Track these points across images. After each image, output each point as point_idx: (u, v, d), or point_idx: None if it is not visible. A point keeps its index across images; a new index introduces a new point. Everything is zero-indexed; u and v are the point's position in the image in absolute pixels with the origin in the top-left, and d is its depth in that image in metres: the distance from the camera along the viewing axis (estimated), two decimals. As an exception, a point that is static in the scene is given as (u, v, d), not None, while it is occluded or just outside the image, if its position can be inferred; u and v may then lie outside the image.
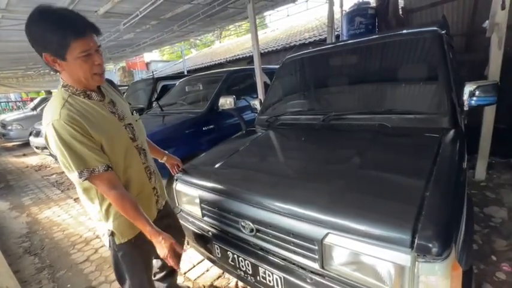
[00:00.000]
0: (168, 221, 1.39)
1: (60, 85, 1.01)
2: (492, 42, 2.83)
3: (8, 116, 8.88)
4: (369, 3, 5.28)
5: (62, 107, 0.94)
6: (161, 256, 1.08)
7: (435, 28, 1.82)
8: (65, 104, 0.96)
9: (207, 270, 2.05)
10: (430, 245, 0.80)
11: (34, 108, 9.29)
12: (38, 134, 5.91)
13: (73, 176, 0.97)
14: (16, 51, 7.13)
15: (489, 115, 2.98)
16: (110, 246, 1.16)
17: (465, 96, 1.54)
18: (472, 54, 4.24)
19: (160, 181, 1.37)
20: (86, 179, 0.96)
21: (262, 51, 8.47)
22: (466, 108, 1.56)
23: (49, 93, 14.15)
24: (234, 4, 5.26)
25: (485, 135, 3.05)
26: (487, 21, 2.89)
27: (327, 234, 1.00)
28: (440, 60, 1.64)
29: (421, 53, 1.79)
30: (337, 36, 5.95)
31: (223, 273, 2.00)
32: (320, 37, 7.15)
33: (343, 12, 5.60)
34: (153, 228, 1.06)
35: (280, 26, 13.40)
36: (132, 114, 1.24)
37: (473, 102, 1.54)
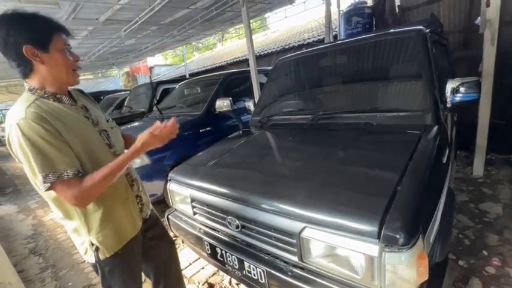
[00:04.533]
0: (155, 231, 1.30)
1: (26, 90, 0.94)
2: (485, 39, 2.84)
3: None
4: (365, 2, 5.28)
5: (28, 107, 0.86)
6: (161, 142, 1.02)
7: (420, 27, 1.85)
8: (31, 104, 0.87)
9: (202, 268, 2.11)
10: (396, 236, 0.85)
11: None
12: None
13: (38, 183, 0.86)
14: (22, 59, 7.33)
15: (484, 111, 2.97)
16: (95, 261, 1.03)
17: (448, 93, 1.57)
18: (469, 51, 4.22)
19: (144, 189, 1.26)
20: (49, 186, 0.84)
21: (262, 53, 8.55)
22: (449, 105, 1.59)
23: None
24: (232, 8, 5.34)
25: (482, 131, 3.04)
26: (479, 18, 2.89)
27: (304, 228, 1.05)
28: (424, 58, 1.67)
29: (405, 51, 1.82)
30: (335, 36, 5.97)
31: (217, 270, 2.06)
32: (319, 37, 7.18)
33: (341, 12, 5.63)
34: (134, 148, 0.97)
35: (281, 28, 13.45)
36: (108, 121, 1.14)
37: (456, 99, 1.57)
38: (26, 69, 0.91)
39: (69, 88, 1.05)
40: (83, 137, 0.95)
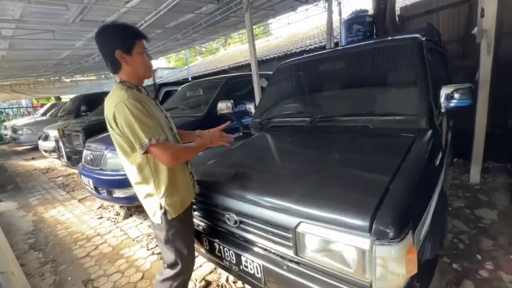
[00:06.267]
0: (190, 211, 1.46)
1: (117, 82, 1.23)
2: (482, 48, 2.91)
3: (19, 121, 9.20)
4: (366, 11, 5.39)
5: (127, 91, 1.15)
6: (219, 144, 1.40)
7: (416, 35, 1.92)
8: (127, 90, 1.17)
9: (200, 266, 2.14)
10: (386, 230, 0.89)
11: (44, 114, 9.64)
12: (46, 138, 6.13)
13: (137, 150, 1.14)
14: (28, 59, 7.46)
15: (481, 119, 3.03)
16: (161, 222, 1.25)
17: (442, 99, 1.62)
18: (467, 60, 4.30)
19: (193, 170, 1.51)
20: (148, 148, 1.11)
21: (264, 58, 8.66)
22: (443, 110, 1.64)
23: (58, 99, 14.58)
24: (235, 13, 5.45)
25: (478, 139, 3.09)
26: (475, 28, 2.97)
27: (299, 223, 1.09)
28: (419, 64, 1.74)
29: (402, 58, 1.88)
30: (336, 43, 6.07)
31: (215, 268, 2.09)
32: (320, 44, 7.29)
33: (342, 20, 5.73)
34: (200, 142, 1.33)
35: (283, 34, 13.63)
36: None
37: (451, 104, 1.63)
38: (116, 68, 1.21)
39: None
40: (158, 119, 1.22)
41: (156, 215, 1.26)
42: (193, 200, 1.59)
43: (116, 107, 1.11)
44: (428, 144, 1.39)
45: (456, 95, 1.60)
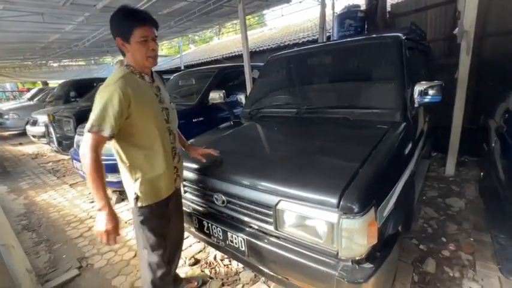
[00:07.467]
0: (178, 201, 1.57)
1: (124, 64, 1.25)
2: (461, 49, 3.07)
3: (4, 106, 8.97)
4: (359, 6, 5.49)
5: (121, 77, 1.17)
6: (96, 229, 1.16)
7: (398, 34, 2.05)
8: (124, 75, 1.18)
9: (190, 246, 2.28)
10: (351, 205, 1.04)
11: (31, 98, 9.41)
12: (35, 123, 6.06)
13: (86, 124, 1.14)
14: (15, 41, 7.24)
15: (458, 115, 3.22)
16: (134, 206, 1.29)
17: (415, 95, 1.77)
18: (452, 58, 4.47)
19: (182, 164, 1.53)
20: (89, 130, 1.10)
21: (258, 49, 8.67)
22: (416, 105, 1.79)
23: (45, 84, 14.17)
24: (229, 3, 5.44)
25: (455, 133, 3.30)
26: (457, 28, 3.12)
27: (279, 201, 1.23)
28: (397, 62, 1.87)
29: (382, 55, 2.01)
30: (328, 37, 6.16)
31: (204, 248, 2.23)
32: (313, 37, 7.36)
33: (335, 14, 5.81)
34: (107, 202, 1.14)
35: (278, 25, 13.59)
36: (170, 103, 1.44)
37: (424, 100, 1.78)
38: (122, 53, 1.26)
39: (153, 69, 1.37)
40: (151, 108, 1.26)
41: (130, 198, 1.31)
42: (182, 189, 1.69)
43: (106, 85, 1.16)
44: (399, 136, 1.54)
45: (429, 92, 1.75)
